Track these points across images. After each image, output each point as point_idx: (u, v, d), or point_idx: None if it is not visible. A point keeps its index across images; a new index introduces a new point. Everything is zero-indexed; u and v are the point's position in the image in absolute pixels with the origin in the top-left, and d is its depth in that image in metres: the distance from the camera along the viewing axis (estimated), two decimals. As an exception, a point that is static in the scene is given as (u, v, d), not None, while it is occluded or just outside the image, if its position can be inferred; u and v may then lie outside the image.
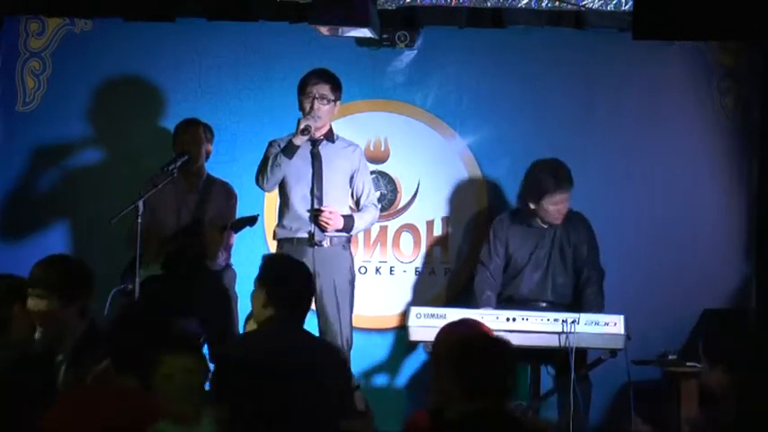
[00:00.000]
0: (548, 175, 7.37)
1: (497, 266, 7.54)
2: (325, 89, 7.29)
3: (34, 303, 5.20)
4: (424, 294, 8.09)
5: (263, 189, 7.41)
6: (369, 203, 7.50)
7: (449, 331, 4.90)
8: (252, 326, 5.70)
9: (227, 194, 7.67)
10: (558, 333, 6.82)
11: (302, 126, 7.17)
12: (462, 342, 4.56)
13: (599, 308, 7.28)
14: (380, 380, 8.02)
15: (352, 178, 7.45)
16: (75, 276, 5.32)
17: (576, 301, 7.43)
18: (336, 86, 7.33)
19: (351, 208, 7.45)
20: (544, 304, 7.43)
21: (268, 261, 5.60)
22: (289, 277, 5.40)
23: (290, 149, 7.22)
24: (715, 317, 7.43)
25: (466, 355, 4.46)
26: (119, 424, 4.50)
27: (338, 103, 7.38)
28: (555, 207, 7.39)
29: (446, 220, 8.17)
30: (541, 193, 7.37)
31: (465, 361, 4.43)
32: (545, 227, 7.49)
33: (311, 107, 7.26)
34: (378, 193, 8.02)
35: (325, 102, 7.28)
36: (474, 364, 4.41)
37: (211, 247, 7.42)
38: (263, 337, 5.23)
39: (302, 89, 7.33)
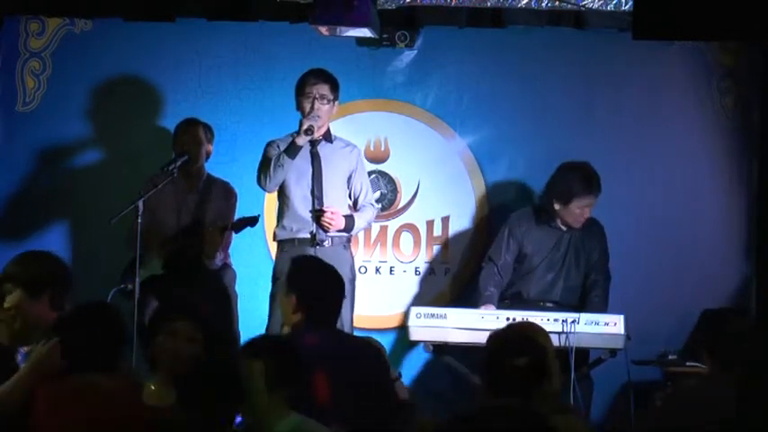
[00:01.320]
0: (580, 179, 7.38)
1: (506, 263, 7.54)
2: (324, 89, 7.30)
3: (7, 300, 5.22)
4: (424, 294, 8.09)
5: (264, 189, 7.42)
6: (367, 203, 7.52)
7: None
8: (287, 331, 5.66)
9: (227, 194, 7.67)
10: (558, 333, 6.83)
11: (305, 126, 7.20)
12: (490, 341, 4.62)
13: (601, 311, 7.28)
14: (380, 380, 8.02)
15: (350, 178, 7.47)
16: (41, 269, 5.31)
17: (581, 303, 7.44)
18: (335, 86, 7.35)
19: (349, 207, 7.47)
20: (551, 305, 7.44)
21: (297, 265, 5.57)
22: (319, 282, 5.40)
23: (292, 150, 7.23)
24: (712, 316, 7.42)
25: (490, 354, 4.51)
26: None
27: (336, 102, 7.40)
28: (580, 211, 7.41)
29: (446, 220, 8.16)
30: (571, 195, 7.37)
31: (489, 359, 4.48)
32: (564, 229, 7.50)
33: (312, 107, 7.27)
34: (377, 193, 8.03)
35: (325, 102, 7.30)
36: (496, 362, 4.46)
37: (210, 247, 7.42)
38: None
39: (301, 89, 7.34)
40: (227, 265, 7.66)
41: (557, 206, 7.44)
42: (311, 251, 7.19)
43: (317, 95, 7.29)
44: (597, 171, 7.47)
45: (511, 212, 7.73)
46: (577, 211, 7.41)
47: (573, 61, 8.09)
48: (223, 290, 7.55)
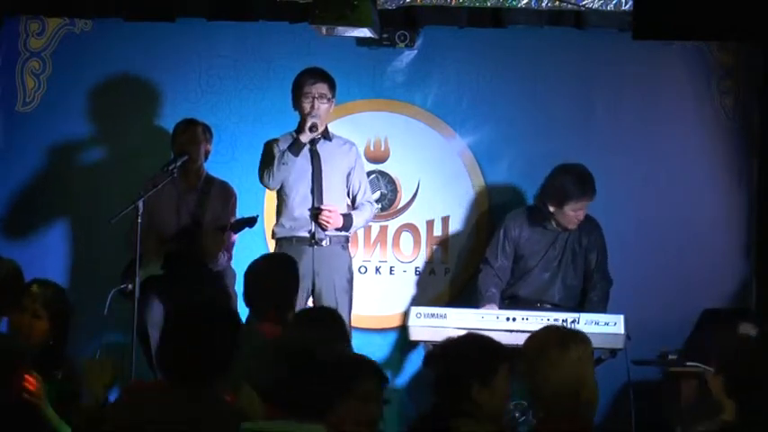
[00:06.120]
0: (575, 181, 7.38)
1: (503, 266, 7.54)
2: (324, 88, 7.33)
3: None
4: (424, 294, 8.08)
5: (267, 187, 7.43)
6: (365, 201, 7.53)
7: None
8: None
9: (227, 194, 7.67)
10: (558, 333, 6.81)
11: (309, 123, 7.23)
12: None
13: (599, 312, 7.28)
14: (380, 380, 8.01)
15: (348, 176, 7.48)
16: None
17: (580, 305, 7.43)
18: (333, 85, 7.39)
19: (347, 206, 7.48)
20: (549, 306, 7.43)
21: None
22: (250, 275, 5.93)
23: (296, 147, 7.26)
24: (716, 317, 7.41)
25: None
26: None
27: (334, 101, 7.42)
28: (575, 213, 7.42)
29: (446, 220, 8.16)
30: (566, 198, 7.37)
31: None
32: (558, 230, 7.50)
33: (311, 106, 7.29)
34: (377, 193, 8.03)
35: (324, 100, 7.33)
36: None
37: (213, 248, 7.43)
38: None
39: (300, 89, 7.34)
40: (228, 265, 7.67)
41: (551, 208, 7.44)
42: (309, 250, 7.21)
43: (316, 95, 7.30)
44: (596, 171, 7.47)
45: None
46: (571, 213, 7.41)
47: (573, 61, 8.09)
48: (223, 289, 7.55)
